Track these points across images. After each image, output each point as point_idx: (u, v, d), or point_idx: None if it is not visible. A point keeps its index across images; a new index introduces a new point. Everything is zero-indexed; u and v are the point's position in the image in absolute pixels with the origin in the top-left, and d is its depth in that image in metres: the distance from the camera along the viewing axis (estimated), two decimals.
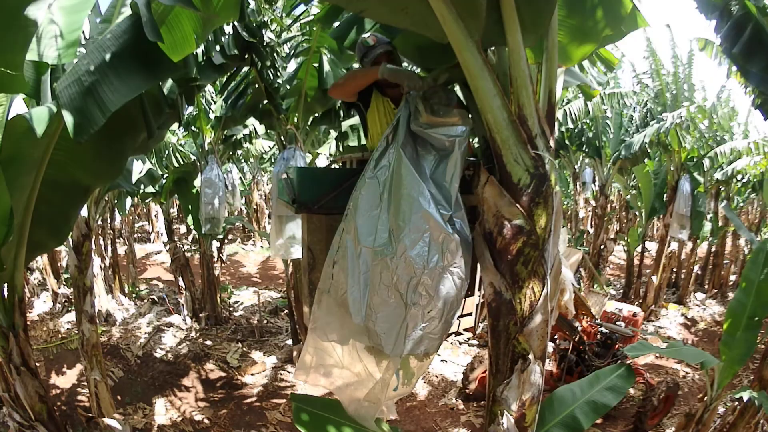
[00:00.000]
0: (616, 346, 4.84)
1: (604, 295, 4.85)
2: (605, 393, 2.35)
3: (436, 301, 1.64)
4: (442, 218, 1.63)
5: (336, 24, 2.61)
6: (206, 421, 5.39)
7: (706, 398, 3.10)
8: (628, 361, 3.43)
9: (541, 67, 1.81)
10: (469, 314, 2.75)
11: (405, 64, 2.24)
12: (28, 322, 7.16)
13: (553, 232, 1.73)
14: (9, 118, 1.72)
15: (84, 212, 3.80)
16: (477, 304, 2.81)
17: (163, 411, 5.50)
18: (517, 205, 1.65)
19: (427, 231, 1.63)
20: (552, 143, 1.73)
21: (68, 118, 1.62)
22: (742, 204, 12.44)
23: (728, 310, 3.05)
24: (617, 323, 5.06)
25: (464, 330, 2.85)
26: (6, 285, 2.31)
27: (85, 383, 5.00)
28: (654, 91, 7.63)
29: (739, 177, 9.11)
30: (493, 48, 1.92)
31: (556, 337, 4.90)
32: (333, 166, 2.60)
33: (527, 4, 1.63)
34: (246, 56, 4.22)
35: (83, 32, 3.00)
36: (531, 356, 1.70)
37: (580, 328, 4.67)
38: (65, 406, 5.28)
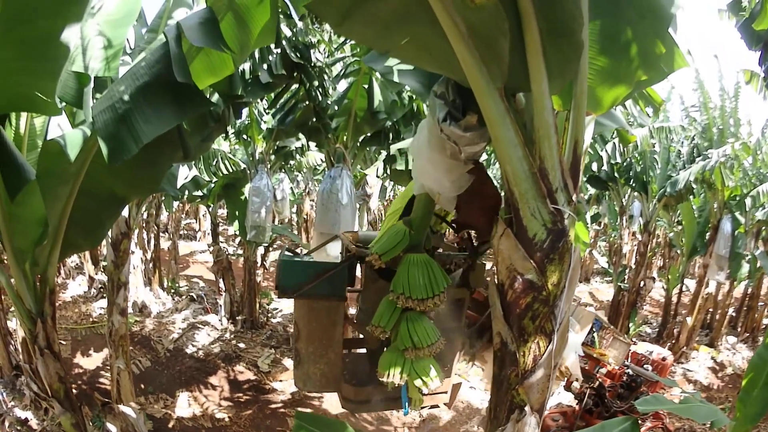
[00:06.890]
0: (641, 389, 4.71)
1: (628, 343, 4.73)
2: None
3: None
4: None
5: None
6: (227, 419, 5.50)
7: None
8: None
9: (569, 115, 1.73)
10: (444, 392, 2.78)
11: None
12: (61, 302, 7.50)
13: (567, 288, 1.68)
14: (46, 140, 1.82)
15: (125, 212, 3.96)
16: (452, 384, 2.85)
17: (185, 405, 5.64)
18: (531, 261, 1.62)
19: None
20: (575, 197, 1.67)
21: (103, 144, 1.70)
22: None
23: (749, 366, 2.85)
24: (645, 366, 4.91)
25: (444, 404, 2.87)
26: (39, 277, 2.49)
27: (108, 367, 5.17)
28: (701, 125, 7.39)
29: None
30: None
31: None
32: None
33: (554, 46, 1.55)
34: (294, 75, 4.27)
35: (128, 42, 3.15)
36: (528, 408, 1.69)
37: (604, 371, 4.57)
38: (85, 385, 5.50)
